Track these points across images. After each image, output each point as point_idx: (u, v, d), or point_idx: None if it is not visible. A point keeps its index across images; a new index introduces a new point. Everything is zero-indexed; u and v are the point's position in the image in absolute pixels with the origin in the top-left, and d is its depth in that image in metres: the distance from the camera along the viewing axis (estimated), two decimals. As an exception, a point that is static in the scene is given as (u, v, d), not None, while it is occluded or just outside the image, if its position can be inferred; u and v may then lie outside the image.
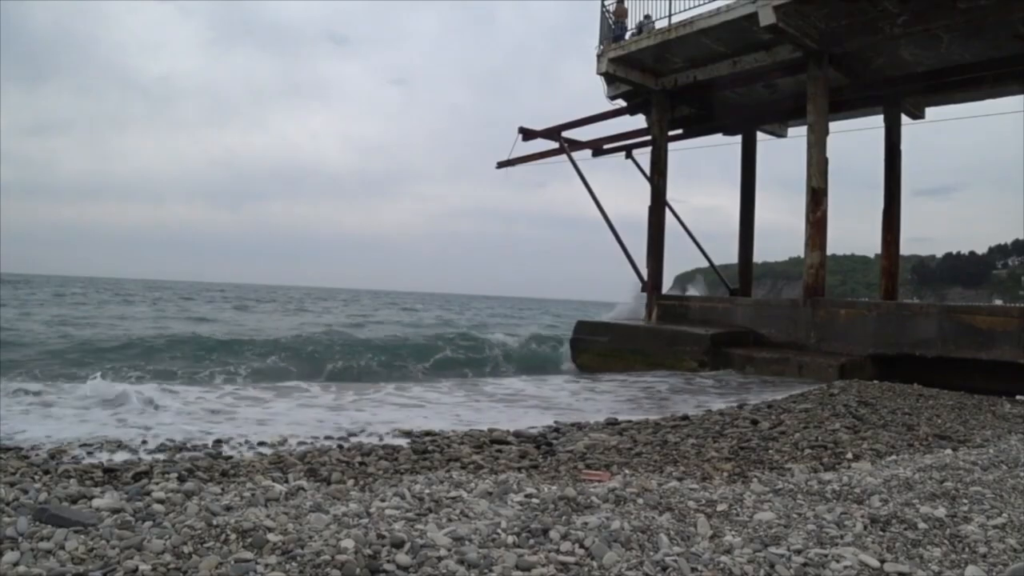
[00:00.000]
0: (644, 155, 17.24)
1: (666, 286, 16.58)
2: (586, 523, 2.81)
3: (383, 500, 3.21)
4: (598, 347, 14.66)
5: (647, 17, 13.91)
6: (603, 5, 14.72)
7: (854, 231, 28.65)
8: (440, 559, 2.36)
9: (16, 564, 2.25)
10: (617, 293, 18.56)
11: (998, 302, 35.63)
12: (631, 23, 14.49)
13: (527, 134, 18.10)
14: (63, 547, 2.41)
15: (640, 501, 3.26)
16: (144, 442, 5.42)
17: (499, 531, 2.69)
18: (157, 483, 3.58)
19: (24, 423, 6.13)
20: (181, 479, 3.83)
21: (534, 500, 3.24)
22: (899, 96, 14.64)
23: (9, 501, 3.00)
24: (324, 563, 2.27)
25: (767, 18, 11.44)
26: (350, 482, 3.96)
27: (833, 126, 13.37)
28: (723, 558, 2.48)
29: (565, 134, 17.80)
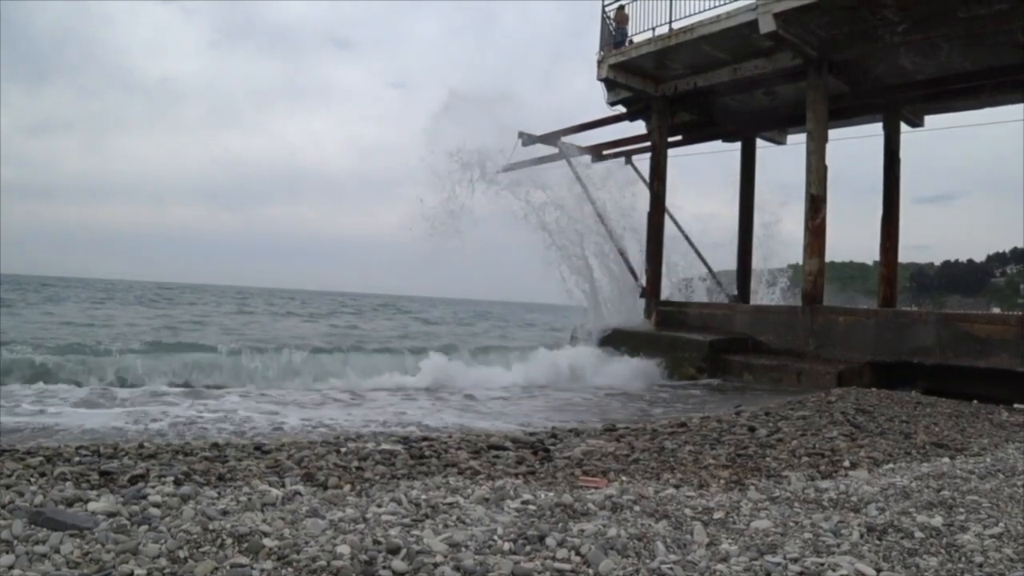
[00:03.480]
0: (644, 161, 17.30)
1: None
2: (583, 530, 2.80)
3: (380, 505, 3.20)
4: (597, 352, 14.66)
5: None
6: (604, 11, 14.78)
7: (853, 238, 28.63)
8: (436, 565, 2.36)
9: (11, 567, 2.25)
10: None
11: (996, 310, 35.64)
12: (632, 29, 14.54)
13: (527, 139, 18.13)
14: (58, 551, 2.40)
15: (637, 508, 3.26)
16: (141, 445, 5.40)
17: (495, 538, 2.68)
18: (153, 486, 3.55)
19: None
20: (177, 483, 3.80)
21: (531, 506, 3.24)
22: (899, 104, 14.68)
23: (5, 504, 2.99)
24: (320, 569, 2.27)
25: (767, 25, 11.48)
26: (347, 487, 3.94)
27: (832, 133, 13.40)
28: (719, 566, 2.48)
29: (565, 139, 17.84)
